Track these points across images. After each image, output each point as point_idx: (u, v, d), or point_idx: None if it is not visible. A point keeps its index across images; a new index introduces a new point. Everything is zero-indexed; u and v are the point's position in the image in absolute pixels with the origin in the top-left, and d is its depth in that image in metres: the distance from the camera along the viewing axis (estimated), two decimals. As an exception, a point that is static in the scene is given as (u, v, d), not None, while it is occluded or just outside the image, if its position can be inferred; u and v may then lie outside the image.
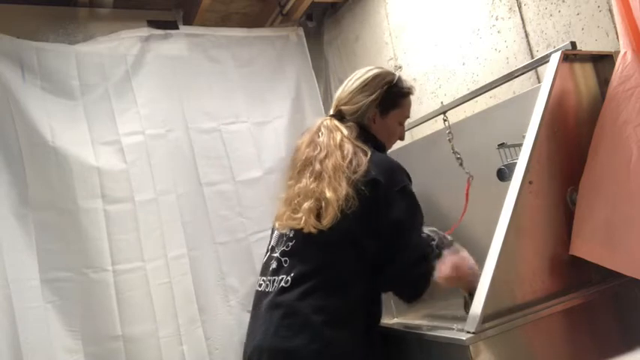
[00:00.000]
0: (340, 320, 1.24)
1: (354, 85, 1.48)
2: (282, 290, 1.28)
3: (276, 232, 1.45)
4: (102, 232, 2.07)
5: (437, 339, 1.18)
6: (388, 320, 1.59)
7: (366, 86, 1.46)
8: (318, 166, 1.34)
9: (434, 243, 1.50)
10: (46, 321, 1.95)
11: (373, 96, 1.45)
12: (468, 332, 1.09)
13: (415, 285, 1.30)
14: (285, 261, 1.33)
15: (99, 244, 2.06)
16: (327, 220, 1.26)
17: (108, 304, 2.03)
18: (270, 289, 1.33)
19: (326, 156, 1.35)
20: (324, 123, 1.46)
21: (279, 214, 1.41)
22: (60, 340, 1.96)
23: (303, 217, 1.29)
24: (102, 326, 2.02)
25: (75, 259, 2.03)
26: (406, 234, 1.28)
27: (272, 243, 1.45)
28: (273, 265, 1.37)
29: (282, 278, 1.31)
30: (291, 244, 1.35)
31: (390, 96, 1.47)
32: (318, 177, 1.33)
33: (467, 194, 1.68)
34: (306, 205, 1.30)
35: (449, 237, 1.51)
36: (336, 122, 1.44)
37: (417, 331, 1.30)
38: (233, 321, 2.26)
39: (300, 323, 1.23)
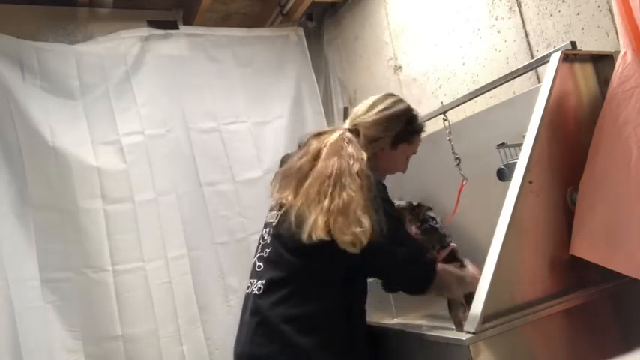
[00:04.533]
0: (312, 329, 1.24)
1: (380, 116, 1.44)
2: (258, 297, 1.31)
3: (260, 234, 1.45)
4: (102, 232, 2.08)
5: (437, 339, 1.18)
6: (388, 320, 1.59)
7: (391, 121, 1.44)
8: (331, 189, 1.26)
9: (436, 225, 1.51)
10: (46, 321, 1.96)
11: (393, 131, 1.44)
12: (468, 332, 1.09)
13: (418, 278, 1.29)
14: (259, 266, 1.36)
15: (99, 244, 2.07)
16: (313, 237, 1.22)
17: (108, 304, 2.04)
18: (251, 291, 1.36)
19: (343, 188, 1.25)
20: (346, 136, 1.38)
21: (290, 198, 1.32)
22: (60, 340, 1.97)
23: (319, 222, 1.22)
24: (102, 326, 2.03)
25: (75, 259, 2.03)
26: (390, 246, 1.25)
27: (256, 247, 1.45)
28: (255, 268, 1.39)
29: (256, 282, 1.34)
30: (268, 250, 1.36)
31: (405, 131, 1.46)
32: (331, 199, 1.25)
33: (458, 196, 1.68)
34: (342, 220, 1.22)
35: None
36: (359, 144, 1.37)
37: (417, 331, 1.30)
38: (233, 320, 2.24)
39: (271, 332, 1.25)
